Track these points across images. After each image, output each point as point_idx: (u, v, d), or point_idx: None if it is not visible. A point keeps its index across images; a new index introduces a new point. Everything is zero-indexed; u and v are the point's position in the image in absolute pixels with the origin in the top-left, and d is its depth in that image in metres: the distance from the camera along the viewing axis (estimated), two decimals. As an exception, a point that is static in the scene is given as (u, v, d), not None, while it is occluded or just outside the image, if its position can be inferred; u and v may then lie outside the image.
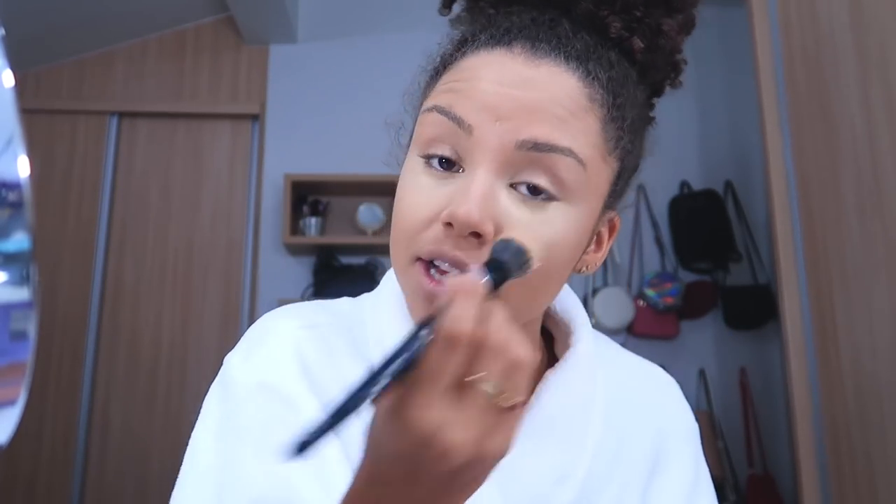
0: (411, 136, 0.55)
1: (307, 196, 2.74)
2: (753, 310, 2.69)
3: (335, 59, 2.93)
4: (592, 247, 0.56)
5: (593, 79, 0.49)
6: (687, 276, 2.79)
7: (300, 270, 2.77)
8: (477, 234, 0.46)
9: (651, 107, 0.61)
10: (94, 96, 2.90)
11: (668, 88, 0.61)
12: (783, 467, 2.62)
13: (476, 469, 0.36)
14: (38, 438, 2.62)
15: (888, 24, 1.42)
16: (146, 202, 2.87)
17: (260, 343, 0.57)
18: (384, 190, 2.75)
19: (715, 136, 2.94)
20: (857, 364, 1.55)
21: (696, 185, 2.85)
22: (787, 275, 1.78)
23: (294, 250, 2.75)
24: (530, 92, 0.48)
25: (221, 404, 0.55)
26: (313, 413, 0.52)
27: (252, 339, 0.58)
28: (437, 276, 0.48)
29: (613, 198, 0.55)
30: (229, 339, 2.76)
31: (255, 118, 2.94)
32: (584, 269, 0.57)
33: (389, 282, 0.60)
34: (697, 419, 0.68)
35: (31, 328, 0.24)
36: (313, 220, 2.69)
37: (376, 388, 0.33)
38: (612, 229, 0.59)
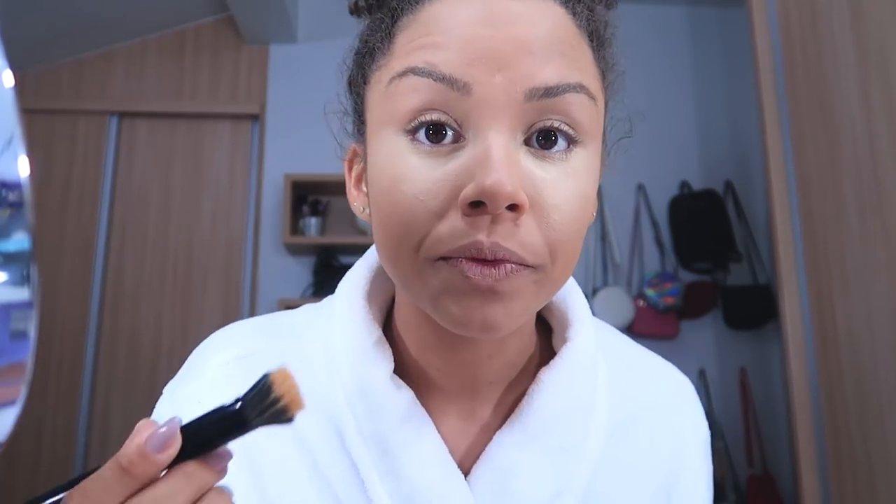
0: (361, 117, 0.47)
1: (307, 196, 2.74)
2: (753, 310, 2.69)
3: (335, 59, 2.92)
4: None
5: (574, 11, 0.43)
6: (687, 276, 2.79)
7: (300, 270, 2.77)
8: (512, 207, 0.38)
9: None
10: (94, 96, 2.91)
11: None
12: (783, 467, 2.62)
13: None
14: (38, 438, 2.62)
15: (888, 24, 1.42)
16: (146, 202, 2.87)
17: (189, 378, 0.52)
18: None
19: (715, 136, 2.94)
20: (857, 364, 1.55)
21: (696, 185, 2.86)
22: (787, 275, 1.78)
23: (294, 250, 2.75)
24: (526, 28, 0.39)
25: None
26: (277, 455, 0.48)
27: (183, 373, 0.53)
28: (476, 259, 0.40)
29: (606, 131, 0.48)
30: (229, 339, 2.76)
31: (255, 118, 2.94)
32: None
33: (342, 297, 0.52)
34: None
35: (31, 328, 0.24)
36: (313, 220, 2.69)
37: None
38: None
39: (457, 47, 0.39)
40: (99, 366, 2.72)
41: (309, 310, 0.56)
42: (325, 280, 2.68)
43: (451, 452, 0.48)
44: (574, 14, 0.43)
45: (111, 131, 2.90)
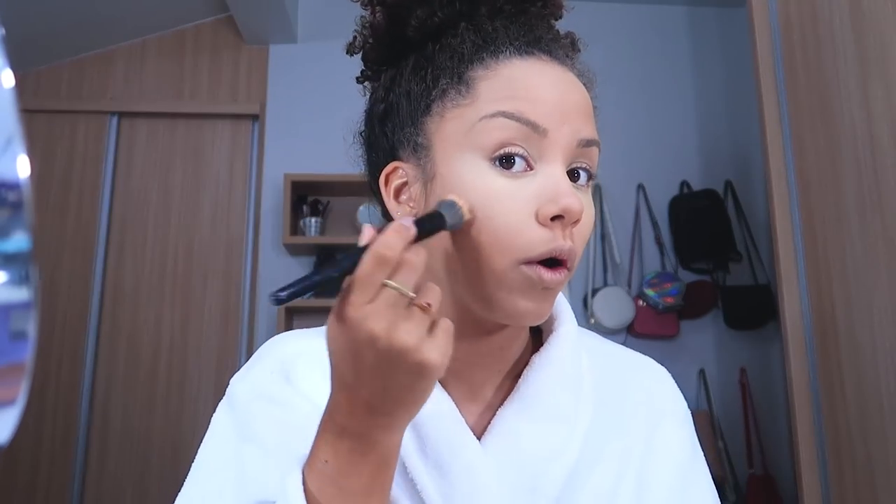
0: (416, 152, 0.58)
1: (307, 196, 2.74)
2: (753, 310, 2.69)
3: (335, 59, 2.92)
4: None
5: (579, 74, 0.58)
6: (687, 276, 2.79)
7: (300, 271, 2.76)
8: (576, 222, 0.53)
9: None
10: (94, 96, 2.91)
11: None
12: (783, 467, 2.62)
13: (403, 365, 0.43)
14: (38, 438, 2.62)
15: (888, 24, 1.42)
16: (146, 202, 2.87)
17: (257, 361, 0.64)
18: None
19: (715, 136, 2.94)
20: (857, 364, 1.55)
21: (696, 185, 2.85)
22: (787, 275, 1.78)
23: (294, 250, 2.75)
24: (576, 94, 0.56)
25: (225, 416, 0.62)
26: (306, 410, 0.58)
27: (253, 358, 0.66)
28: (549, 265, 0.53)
29: None
30: (229, 339, 2.76)
31: (255, 118, 2.94)
32: None
33: None
34: (697, 419, 0.69)
35: (31, 328, 0.24)
36: (313, 220, 2.69)
37: (324, 275, 0.43)
38: None
39: (538, 102, 0.53)
40: (99, 366, 2.72)
41: None
42: (324, 280, 2.68)
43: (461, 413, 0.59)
44: (581, 79, 0.58)
45: (111, 131, 2.90)
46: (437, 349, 0.44)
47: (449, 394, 0.59)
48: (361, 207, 2.75)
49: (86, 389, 2.69)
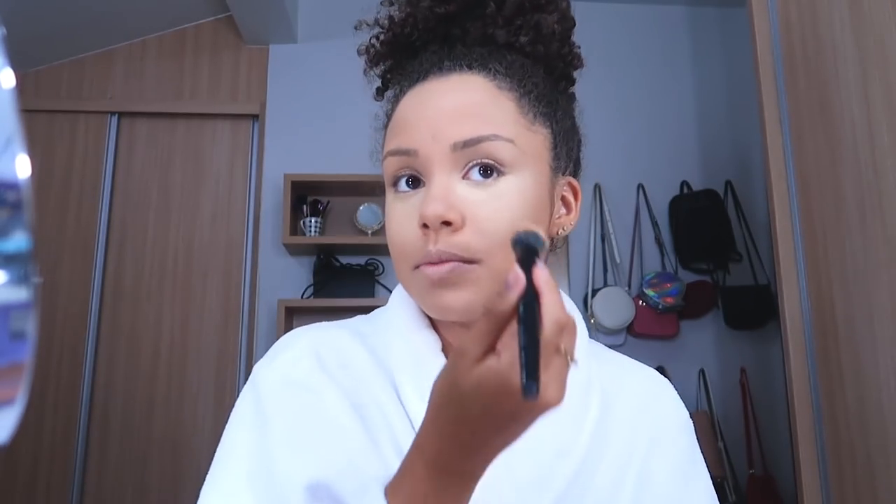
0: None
1: (307, 196, 2.74)
2: (753, 310, 2.69)
3: (335, 59, 2.92)
4: (563, 210, 0.64)
5: (495, 73, 0.60)
6: (687, 276, 2.79)
7: (300, 270, 2.76)
8: (447, 223, 0.55)
9: (566, 87, 0.69)
10: (94, 96, 2.91)
11: (576, 71, 0.70)
12: (783, 467, 2.62)
13: (534, 413, 0.44)
14: (38, 438, 2.62)
15: (888, 24, 1.42)
16: (146, 202, 2.87)
17: (283, 349, 0.65)
18: (384, 190, 2.75)
19: (715, 136, 2.94)
20: (857, 364, 1.55)
21: (696, 185, 2.85)
22: (787, 275, 1.78)
23: (294, 250, 2.75)
24: (445, 100, 0.58)
25: (251, 402, 0.62)
26: (334, 398, 0.60)
27: (276, 347, 0.66)
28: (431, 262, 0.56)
29: (560, 161, 0.63)
30: (229, 340, 2.76)
31: (255, 118, 2.94)
32: (559, 231, 0.64)
33: (398, 293, 0.68)
34: (697, 419, 0.70)
35: (31, 328, 0.24)
36: (313, 221, 2.69)
37: (532, 340, 0.41)
38: (575, 193, 0.66)
39: (407, 129, 0.59)
40: (99, 366, 2.72)
41: (362, 317, 0.72)
42: (325, 280, 2.68)
43: None
44: (492, 79, 0.59)
45: (111, 131, 2.90)
46: (562, 391, 0.44)
47: None
48: (361, 207, 2.75)
49: (86, 389, 2.69)
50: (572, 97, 0.70)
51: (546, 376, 0.42)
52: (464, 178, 0.57)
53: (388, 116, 0.65)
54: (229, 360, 2.75)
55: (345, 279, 2.68)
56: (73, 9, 2.62)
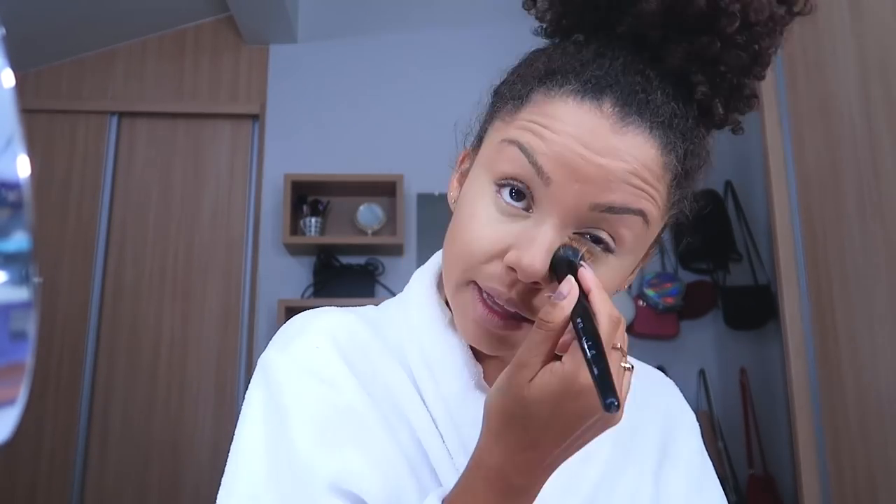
0: (476, 146, 0.58)
1: (307, 196, 2.74)
2: (753, 310, 2.68)
3: (335, 59, 2.93)
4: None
5: (671, 150, 0.51)
6: (687, 276, 2.79)
7: (300, 270, 2.77)
8: (536, 283, 0.50)
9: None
10: (94, 96, 2.91)
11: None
12: (783, 467, 2.62)
13: (605, 423, 0.45)
14: (38, 438, 2.62)
15: (888, 24, 1.42)
16: (146, 202, 2.87)
17: (296, 335, 0.60)
18: (384, 190, 2.75)
19: (715, 136, 2.93)
20: (857, 364, 1.54)
21: (696, 185, 2.85)
22: (787, 275, 1.78)
23: (294, 250, 2.75)
24: (613, 161, 0.49)
25: (264, 393, 0.58)
26: (355, 392, 0.57)
27: (288, 333, 0.61)
28: (490, 302, 0.52)
29: (658, 239, 0.58)
30: (229, 339, 2.76)
31: (255, 118, 2.94)
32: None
33: (419, 285, 0.64)
34: (697, 419, 0.72)
35: (31, 328, 0.24)
36: (313, 220, 2.69)
37: (600, 353, 0.41)
38: (645, 257, 0.60)
39: (555, 150, 0.49)
40: (99, 366, 2.72)
41: (372, 307, 0.68)
42: (325, 280, 2.68)
43: None
44: (668, 153, 0.51)
45: (111, 131, 2.90)
46: (620, 388, 0.44)
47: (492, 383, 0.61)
48: (361, 207, 2.75)
49: (86, 389, 2.69)
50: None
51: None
52: (573, 235, 0.51)
53: (528, 87, 0.54)
54: (229, 359, 2.75)
55: (345, 279, 2.68)
56: (73, 9, 2.62)
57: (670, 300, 2.66)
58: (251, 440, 0.55)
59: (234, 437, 0.57)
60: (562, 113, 0.50)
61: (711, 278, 2.79)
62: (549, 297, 0.45)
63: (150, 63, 2.95)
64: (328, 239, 2.71)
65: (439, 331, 0.60)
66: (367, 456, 0.54)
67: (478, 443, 0.48)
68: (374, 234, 2.73)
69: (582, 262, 0.49)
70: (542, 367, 0.44)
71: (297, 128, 2.86)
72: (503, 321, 0.52)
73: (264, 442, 0.55)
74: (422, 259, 2.85)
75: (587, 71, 0.52)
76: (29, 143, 0.23)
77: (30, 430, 2.61)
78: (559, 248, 0.49)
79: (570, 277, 0.45)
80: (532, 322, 0.50)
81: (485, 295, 0.52)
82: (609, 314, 0.44)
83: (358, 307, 0.66)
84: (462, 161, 0.62)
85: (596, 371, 0.40)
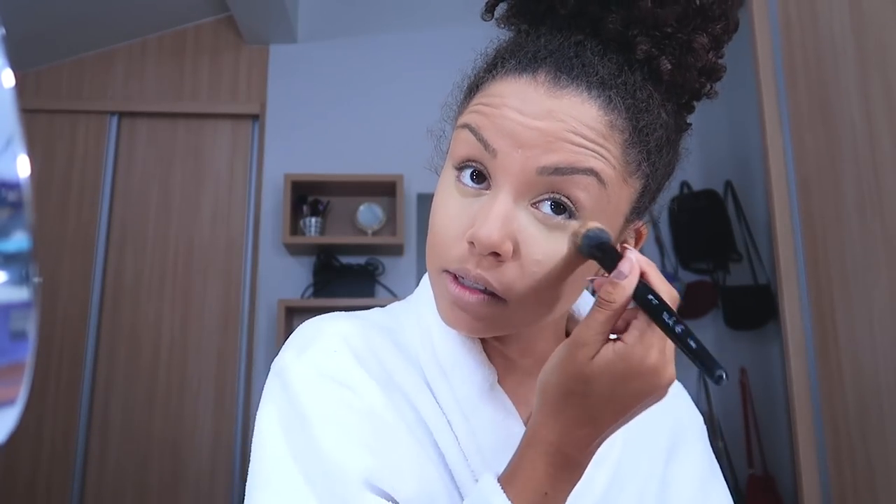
0: (449, 147, 0.59)
1: (307, 196, 2.74)
2: (753, 310, 2.69)
3: (335, 59, 2.93)
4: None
5: (614, 107, 0.51)
6: (687, 276, 2.79)
7: (300, 270, 2.77)
8: (496, 254, 0.50)
9: (684, 117, 0.62)
10: (94, 96, 2.91)
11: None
12: (783, 467, 2.62)
13: (658, 399, 0.48)
14: (38, 438, 2.62)
15: (888, 24, 1.42)
16: (146, 202, 2.87)
17: (312, 340, 0.60)
18: (384, 190, 2.75)
19: (715, 136, 2.94)
20: (857, 364, 1.54)
21: (696, 185, 2.86)
22: (787, 275, 1.78)
23: (294, 250, 2.75)
24: (551, 122, 0.50)
25: (284, 401, 0.57)
26: (374, 395, 0.57)
27: (302, 338, 0.61)
28: (464, 281, 0.53)
29: (636, 213, 0.57)
30: (229, 339, 2.77)
31: (255, 118, 2.94)
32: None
33: (428, 288, 0.65)
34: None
35: (31, 328, 0.24)
36: (313, 220, 2.69)
37: (695, 339, 0.42)
38: (638, 237, 0.60)
39: (496, 122, 0.51)
40: (99, 366, 2.72)
41: (379, 310, 0.68)
42: (325, 280, 2.68)
43: (525, 422, 0.60)
44: (610, 111, 0.51)
45: (111, 131, 2.90)
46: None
47: (508, 388, 0.61)
48: (361, 207, 2.75)
49: (86, 389, 2.69)
50: (686, 129, 0.62)
51: (668, 353, 0.46)
52: (532, 205, 0.51)
53: (477, 80, 0.57)
54: (229, 359, 2.75)
55: (345, 279, 2.68)
56: (73, 9, 2.62)
57: (670, 300, 2.66)
58: (275, 447, 0.54)
59: (255, 445, 0.56)
60: (502, 90, 0.53)
61: (711, 278, 2.79)
62: (604, 277, 0.47)
63: (149, 63, 2.95)
64: (328, 239, 2.71)
65: (452, 333, 0.60)
66: (394, 455, 0.55)
67: (532, 419, 0.49)
68: (374, 234, 2.73)
69: (608, 239, 0.49)
70: (601, 345, 0.46)
71: (297, 128, 2.86)
72: (475, 296, 0.52)
73: (291, 447, 0.54)
74: (422, 259, 2.85)
75: (522, 50, 0.54)
76: (29, 143, 0.23)
77: (30, 430, 2.61)
78: (587, 230, 0.49)
79: (629, 256, 0.46)
80: (502, 298, 0.52)
81: (458, 277, 0.53)
82: (669, 293, 0.46)
83: (366, 312, 0.67)
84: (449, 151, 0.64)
85: (694, 345, 0.41)
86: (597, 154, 0.50)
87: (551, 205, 0.51)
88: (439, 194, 0.56)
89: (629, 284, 0.45)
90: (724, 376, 0.39)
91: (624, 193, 0.53)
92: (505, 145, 0.51)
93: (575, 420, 0.47)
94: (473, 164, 0.53)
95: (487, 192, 0.52)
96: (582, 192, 0.50)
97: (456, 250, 0.53)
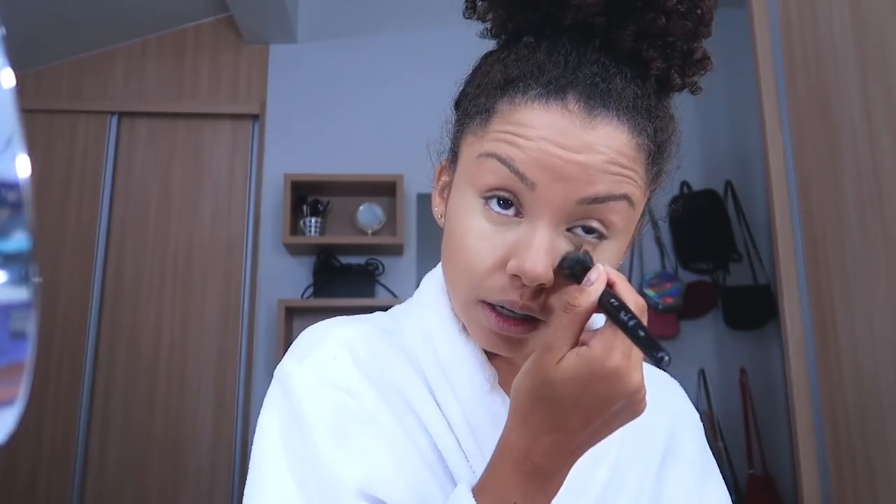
0: (452, 160, 0.59)
1: (307, 196, 2.74)
2: (753, 310, 2.69)
3: (335, 59, 2.93)
4: None
5: (641, 130, 0.53)
6: (687, 276, 2.79)
7: (300, 270, 2.77)
8: (541, 285, 0.51)
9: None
10: (94, 96, 2.91)
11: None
12: (783, 467, 2.62)
13: (635, 408, 0.47)
14: (38, 438, 2.62)
15: (888, 24, 1.42)
16: (146, 202, 2.87)
17: (313, 346, 0.60)
18: (384, 190, 2.75)
19: (715, 136, 2.94)
20: (857, 364, 1.54)
21: (696, 185, 2.85)
22: (787, 275, 1.78)
23: (294, 250, 2.75)
24: (590, 156, 0.50)
25: (284, 406, 0.58)
26: (374, 401, 0.58)
27: (304, 345, 0.61)
28: (505, 312, 0.53)
29: (643, 215, 0.60)
30: (229, 339, 2.76)
31: (255, 118, 2.94)
32: None
33: (430, 291, 0.65)
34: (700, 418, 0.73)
35: (31, 328, 0.24)
36: (313, 220, 2.69)
37: (643, 328, 0.44)
38: (634, 233, 0.62)
39: (534, 156, 0.51)
40: (99, 365, 2.72)
41: (381, 314, 0.69)
42: (325, 280, 2.68)
43: None
44: (638, 134, 0.53)
45: (111, 131, 2.90)
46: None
47: (508, 389, 0.62)
48: (361, 207, 2.75)
49: (86, 389, 2.69)
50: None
51: (634, 359, 0.45)
52: (567, 230, 0.53)
53: (491, 99, 0.55)
54: (229, 359, 2.75)
55: (345, 279, 2.68)
56: (73, 9, 2.62)
57: (670, 300, 2.66)
58: (274, 452, 0.56)
59: (255, 450, 0.57)
60: (530, 119, 0.52)
61: (711, 278, 2.79)
62: (572, 293, 0.48)
63: (149, 63, 2.95)
64: (328, 239, 2.71)
65: (453, 336, 0.60)
66: (390, 462, 0.55)
67: (505, 426, 0.50)
68: (374, 234, 2.73)
69: (590, 263, 0.51)
70: (568, 349, 0.46)
71: (297, 128, 2.86)
72: (520, 326, 0.53)
73: (288, 453, 0.55)
74: (422, 259, 2.86)
75: (545, 73, 0.53)
76: (29, 143, 0.23)
77: (30, 430, 2.61)
78: (567, 254, 0.51)
79: (598, 265, 0.48)
80: (545, 322, 0.53)
81: (498, 308, 0.53)
82: (635, 301, 0.46)
83: (369, 315, 0.68)
84: (439, 175, 0.63)
85: (642, 333, 0.42)
86: (629, 179, 0.52)
87: (583, 228, 0.52)
88: (464, 220, 0.54)
89: (594, 290, 0.46)
90: (666, 359, 0.40)
91: (642, 204, 0.57)
92: (545, 179, 0.51)
93: (543, 426, 0.47)
94: (504, 193, 0.52)
95: (519, 219, 0.52)
96: (615, 215, 0.52)
97: (494, 282, 0.53)
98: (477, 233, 0.53)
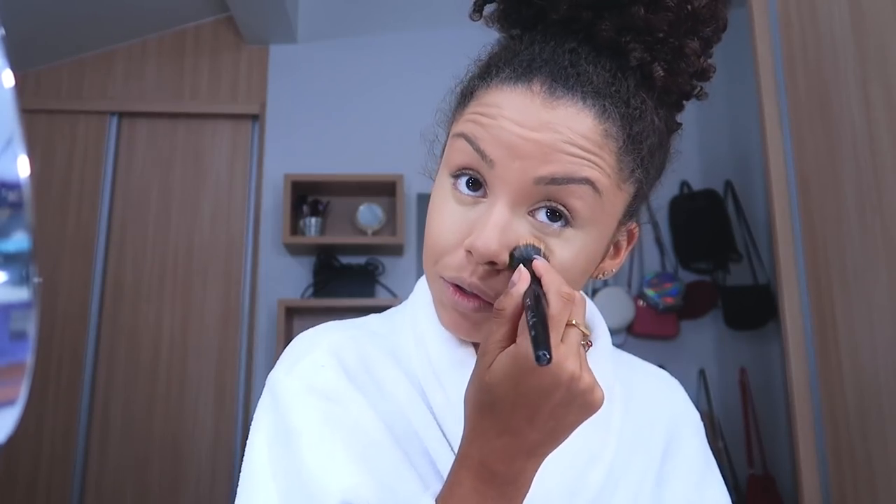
0: (443, 152, 0.60)
1: (307, 196, 2.74)
2: (753, 310, 2.69)
3: (335, 59, 2.93)
4: (610, 253, 0.61)
5: (608, 116, 0.52)
6: (687, 276, 2.79)
7: (300, 270, 2.77)
8: (493, 263, 0.52)
9: (675, 117, 0.62)
10: (94, 96, 2.91)
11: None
12: (783, 467, 2.62)
13: (582, 404, 0.46)
14: (38, 438, 2.62)
15: (888, 24, 1.42)
16: (146, 202, 2.87)
17: (302, 355, 0.61)
18: (384, 190, 2.75)
19: (715, 136, 2.94)
20: (857, 364, 1.55)
21: (696, 185, 2.85)
22: (787, 275, 1.78)
23: (294, 250, 2.75)
24: (547, 134, 0.51)
25: (272, 415, 0.59)
26: (361, 409, 0.58)
27: (294, 352, 0.62)
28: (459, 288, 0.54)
29: (629, 216, 0.59)
30: (229, 339, 2.77)
31: (255, 118, 2.94)
32: (600, 275, 0.61)
33: (423, 293, 0.65)
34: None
35: (31, 328, 0.24)
36: (313, 220, 2.69)
37: (536, 319, 0.43)
38: (630, 238, 0.62)
39: (493, 133, 0.52)
40: (99, 365, 2.72)
41: (375, 316, 0.69)
42: (325, 280, 2.68)
43: None
44: (605, 120, 0.52)
45: (111, 131, 2.90)
46: (599, 386, 0.46)
47: None
48: (361, 207, 2.75)
49: (86, 389, 2.69)
50: (677, 128, 0.63)
51: (563, 348, 0.45)
52: (529, 213, 0.53)
53: (471, 86, 0.57)
54: (229, 360, 2.75)
55: (345, 279, 2.68)
56: (73, 9, 2.62)
57: (670, 300, 2.66)
58: (261, 462, 0.57)
59: (245, 458, 0.58)
60: (498, 100, 0.53)
61: (711, 278, 2.79)
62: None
63: (150, 63, 2.95)
64: (328, 239, 2.71)
65: (445, 338, 0.60)
66: (375, 472, 0.55)
67: (462, 436, 0.49)
68: (374, 234, 2.73)
69: (537, 256, 0.50)
70: (498, 353, 0.46)
71: (297, 128, 2.86)
72: (471, 302, 0.54)
73: (273, 463, 0.56)
74: (421, 259, 2.85)
75: (517, 58, 0.55)
76: (29, 143, 0.23)
77: (30, 430, 2.61)
78: (516, 248, 0.51)
79: (520, 267, 0.48)
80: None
81: (451, 288, 0.55)
82: (558, 291, 0.46)
83: (362, 319, 0.68)
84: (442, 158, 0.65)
85: (533, 332, 0.42)
86: (592, 164, 0.51)
87: (547, 213, 0.52)
88: (436, 200, 0.57)
89: (516, 292, 0.47)
90: (546, 359, 0.40)
91: (618, 199, 0.55)
92: (502, 156, 0.51)
93: (491, 431, 0.47)
94: (470, 172, 0.54)
95: (484, 199, 0.54)
96: (577, 200, 0.52)
97: (453, 258, 0.54)
98: (444, 212, 0.55)
